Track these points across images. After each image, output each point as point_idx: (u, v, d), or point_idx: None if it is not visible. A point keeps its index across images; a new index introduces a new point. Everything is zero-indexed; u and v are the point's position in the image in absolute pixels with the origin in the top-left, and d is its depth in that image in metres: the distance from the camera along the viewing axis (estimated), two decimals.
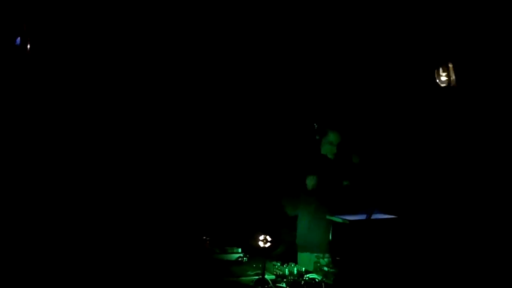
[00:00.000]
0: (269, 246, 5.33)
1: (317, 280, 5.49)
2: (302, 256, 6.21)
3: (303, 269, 5.87)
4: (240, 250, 5.92)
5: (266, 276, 5.51)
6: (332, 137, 6.26)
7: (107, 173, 6.30)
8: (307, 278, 5.57)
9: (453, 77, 4.85)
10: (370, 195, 6.07)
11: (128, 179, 6.30)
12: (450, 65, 4.83)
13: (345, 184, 6.30)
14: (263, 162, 6.85)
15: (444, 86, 4.98)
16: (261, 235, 5.31)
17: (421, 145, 5.83)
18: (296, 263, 5.97)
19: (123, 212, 6.19)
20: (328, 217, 5.94)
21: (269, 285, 5.41)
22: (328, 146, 6.32)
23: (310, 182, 6.26)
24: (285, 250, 6.18)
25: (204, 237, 6.00)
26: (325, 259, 5.72)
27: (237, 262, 5.81)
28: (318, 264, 5.79)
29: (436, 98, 5.41)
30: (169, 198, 6.43)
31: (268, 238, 5.34)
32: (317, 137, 6.26)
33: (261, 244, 5.34)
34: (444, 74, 4.91)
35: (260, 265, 5.51)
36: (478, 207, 5.24)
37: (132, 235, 5.99)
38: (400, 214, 5.60)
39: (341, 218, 5.65)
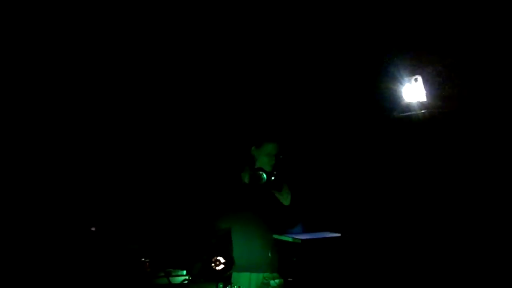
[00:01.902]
0: (222, 268, 5.01)
1: None
2: (239, 277, 5.95)
3: None
4: (184, 272, 5.53)
5: None
6: (269, 148, 6.07)
7: None
8: None
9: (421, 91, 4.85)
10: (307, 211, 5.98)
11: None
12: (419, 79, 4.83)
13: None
14: (197, 178, 6.53)
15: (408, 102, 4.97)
16: (215, 257, 4.98)
17: (367, 161, 5.84)
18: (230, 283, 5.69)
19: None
20: (275, 236, 5.74)
21: None
22: (265, 158, 6.12)
23: (245, 175, 5.97)
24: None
25: (143, 259, 5.55)
26: (276, 281, 5.50)
27: (181, 285, 5.42)
28: (268, 286, 5.55)
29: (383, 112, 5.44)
30: (103, 217, 5.93)
31: (221, 260, 5.02)
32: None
33: (213, 266, 5.01)
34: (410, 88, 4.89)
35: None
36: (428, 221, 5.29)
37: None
38: (350, 231, 5.54)
39: (291, 237, 5.47)
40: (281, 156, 5.74)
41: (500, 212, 4.65)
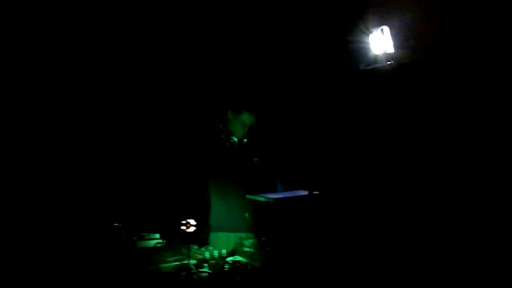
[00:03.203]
0: (194, 231, 4.99)
1: (242, 262, 5.24)
2: (217, 237, 5.96)
3: (224, 251, 5.62)
4: (158, 236, 5.50)
5: (187, 261, 5.20)
6: (245, 117, 6.06)
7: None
8: (231, 261, 5.32)
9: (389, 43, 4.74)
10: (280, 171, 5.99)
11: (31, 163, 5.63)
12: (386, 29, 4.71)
13: (255, 161, 6.12)
14: (174, 145, 6.45)
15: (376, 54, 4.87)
16: (185, 220, 4.95)
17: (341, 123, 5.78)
18: (208, 242, 5.71)
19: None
20: (248, 196, 5.73)
21: (192, 271, 5.09)
22: (239, 125, 6.11)
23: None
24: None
25: (116, 224, 5.50)
26: (249, 240, 5.51)
27: (155, 249, 5.40)
28: (241, 246, 5.57)
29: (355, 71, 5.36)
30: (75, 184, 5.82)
31: (193, 222, 5.00)
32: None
33: (184, 228, 4.99)
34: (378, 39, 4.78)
35: (183, 251, 5.18)
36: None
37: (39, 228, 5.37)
38: (323, 190, 5.51)
39: (264, 197, 5.45)
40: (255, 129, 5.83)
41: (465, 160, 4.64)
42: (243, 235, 5.80)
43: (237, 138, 6.08)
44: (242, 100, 6.05)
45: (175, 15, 6.04)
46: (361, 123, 5.39)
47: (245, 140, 6.06)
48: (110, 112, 6.07)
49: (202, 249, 5.65)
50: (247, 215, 5.83)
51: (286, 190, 5.90)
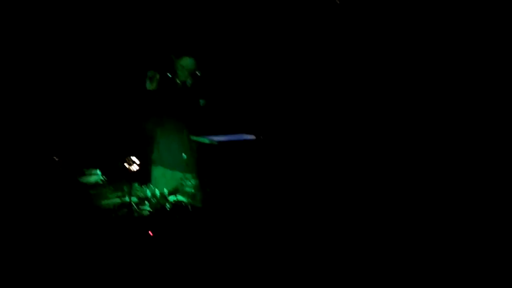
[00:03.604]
0: (136, 169, 4.96)
1: (184, 203, 5.30)
2: (156, 174, 5.98)
3: (165, 190, 5.65)
4: (98, 171, 5.45)
5: (127, 199, 5.20)
6: (187, 61, 6.02)
7: None
8: (172, 201, 5.36)
9: None
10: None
11: None
12: None
13: (202, 104, 6.12)
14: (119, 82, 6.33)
15: None
16: (128, 157, 4.91)
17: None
18: (149, 180, 5.72)
19: None
20: (193, 137, 5.74)
21: (133, 208, 5.11)
22: (182, 69, 6.06)
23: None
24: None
25: (55, 157, 5.40)
26: (192, 181, 5.55)
27: (95, 185, 5.36)
28: (183, 186, 5.61)
29: None
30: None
31: (135, 160, 4.97)
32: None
33: (127, 166, 4.95)
34: None
35: (124, 188, 5.16)
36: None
37: None
38: (264, 135, 5.59)
39: (208, 139, 5.48)
40: (198, 74, 5.76)
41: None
42: (185, 175, 5.83)
43: (180, 81, 6.03)
44: (184, 45, 5.99)
45: None
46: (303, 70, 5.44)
47: (188, 82, 6.02)
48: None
49: (143, 187, 5.66)
50: (184, 156, 5.85)
51: (230, 133, 5.95)
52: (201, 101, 6.05)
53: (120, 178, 5.51)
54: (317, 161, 5.24)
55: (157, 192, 5.59)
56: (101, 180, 5.41)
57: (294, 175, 5.24)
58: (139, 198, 5.41)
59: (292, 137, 5.43)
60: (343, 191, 5.04)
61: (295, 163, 5.20)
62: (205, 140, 5.51)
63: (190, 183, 5.56)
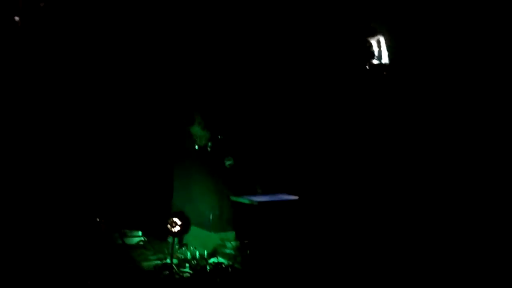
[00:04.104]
0: (178, 230, 4.99)
1: (224, 265, 5.27)
2: (194, 235, 5.99)
3: (205, 252, 5.64)
4: (140, 233, 5.49)
5: (168, 261, 5.21)
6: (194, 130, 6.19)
7: None
8: (212, 262, 5.34)
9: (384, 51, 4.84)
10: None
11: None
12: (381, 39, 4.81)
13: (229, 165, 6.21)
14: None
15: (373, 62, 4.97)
16: (171, 218, 4.95)
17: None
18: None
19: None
20: (232, 198, 5.76)
21: (174, 270, 5.10)
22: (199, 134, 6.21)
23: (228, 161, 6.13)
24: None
25: (98, 219, 5.47)
26: (232, 242, 5.53)
27: (137, 246, 5.39)
28: (222, 247, 5.60)
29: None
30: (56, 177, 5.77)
31: (178, 222, 5.00)
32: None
33: (169, 227, 4.98)
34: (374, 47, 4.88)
35: (166, 249, 5.18)
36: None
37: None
38: (304, 195, 5.57)
39: (248, 199, 5.49)
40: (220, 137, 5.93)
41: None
42: (224, 235, 5.83)
43: (198, 146, 6.16)
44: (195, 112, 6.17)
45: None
46: (345, 127, 5.47)
47: (209, 145, 6.16)
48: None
49: (183, 248, 5.67)
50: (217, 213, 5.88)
51: (265, 193, 5.95)
52: (226, 162, 6.14)
53: (161, 238, 5.56)
54: (357, 224, 5.18)
55: (197, 253, 5.60)
56: (142, 241, 5.44)
57: (335, 238, 5.17)
58: (179, 259, 5.42)
59: (334, 197, 5.40)
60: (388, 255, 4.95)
61: (335, 225, 5.15)
62: (245, 200, 5.52)
63: (230, 245, 5.54)
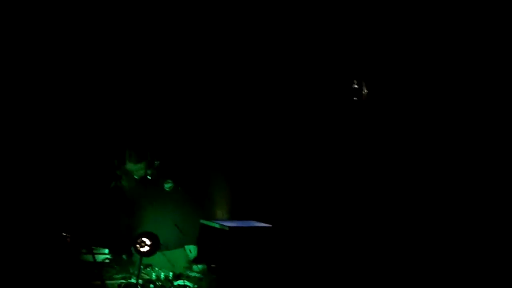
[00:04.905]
0: (147, 250, 4.93)
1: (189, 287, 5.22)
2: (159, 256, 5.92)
3: (170, 274, 5.57)
4: (107, 251, 5.40)
5: (133, 280, 5.13)
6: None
7: None
8: (177, 285, 5.29)
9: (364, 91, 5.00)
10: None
11: None
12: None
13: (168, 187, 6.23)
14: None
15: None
16: (140, 237, 4.89)
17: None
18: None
19: None
20: (202, 221, 5.74)
21: None
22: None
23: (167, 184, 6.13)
24: None
25: (64, 234, 5.36)
26: (199, 266, 5.49)
27: (102, 264, 5.29)
28: (187, 270, 5.56)
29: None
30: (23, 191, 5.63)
31: (147, 241, 4.94)
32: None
33: (138, 247, 4.92)
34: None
35: (131, 268, 5.10)
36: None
37: None
38: (276, 223, 5.59)
39: (218, 224, 5.48)
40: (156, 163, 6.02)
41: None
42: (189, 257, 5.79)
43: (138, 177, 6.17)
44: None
45: None
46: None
47: (149, 173, 6.16)
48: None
49: (148, 269, 5.59)
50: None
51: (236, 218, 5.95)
52: (166, 185, 6.14)
53: (127, 257, 5.48)
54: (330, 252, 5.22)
55: (162, 275, 5.52)
56: (108, 259, 5.35)
57: (306, 267, 5.19)
58: (144, 280, 5.33)
59: (306, 226, 5.44)
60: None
61: (307, 255, 5.18)
62: (215, 224, 5.51)
63: (196, 268, 5.50)
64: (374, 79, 5.25)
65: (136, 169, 6.14)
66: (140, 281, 5.20)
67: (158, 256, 5.77)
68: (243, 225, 5.48)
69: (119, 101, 6.14)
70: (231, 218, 6.06)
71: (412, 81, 4.97)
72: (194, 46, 6.19)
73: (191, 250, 5.83)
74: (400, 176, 5.05)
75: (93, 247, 5.25)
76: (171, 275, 5.53)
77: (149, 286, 5.26)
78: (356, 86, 5.29)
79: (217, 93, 6.23)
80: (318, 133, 5.68)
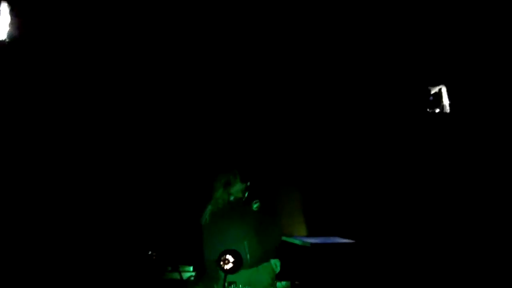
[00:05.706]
0: (230, 268, 4.95)
1: None
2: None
3: None
4: (191, 268, 5.49)
5: None
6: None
7: None
8: None
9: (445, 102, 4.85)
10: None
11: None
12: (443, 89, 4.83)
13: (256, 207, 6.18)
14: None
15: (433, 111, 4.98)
16: (224, 255, 4.91)
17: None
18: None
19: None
20: (284, 238, 5.72)
21: None
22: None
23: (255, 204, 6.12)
24: None
25: (150, 252, 5.49)
26: (283, 283, 5.47)
27: (187, 282, 5.37)
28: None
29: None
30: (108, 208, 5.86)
31: (230, 259, 4.96)
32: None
33: (221, 264, 4.94)
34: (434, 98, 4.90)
35: (215, 286, 5.13)
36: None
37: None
38: (359, 238, 5.49)
39: (300, 240, 5.45)
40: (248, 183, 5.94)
41: None
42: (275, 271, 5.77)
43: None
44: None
45: None
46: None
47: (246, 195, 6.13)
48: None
49: (232, 286, 5.61)
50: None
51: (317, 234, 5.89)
52: (254, 205, 6.09)
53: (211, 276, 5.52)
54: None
55: None
56: (193, 277, 5.43)
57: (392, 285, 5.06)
58: None
59: (390, 240, 5.31)
60: None
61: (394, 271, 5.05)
62: (297, 241, 5.49)
63: (281, 285, 5.47)
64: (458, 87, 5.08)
65: (236, 190, 6.14)
66: None
67: (242, 273, 5.82)
68: (325, 241, 5.42)
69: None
70: (312, 234, 6.02)
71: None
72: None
73: (277, 264, 5.80)
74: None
75: (178, 264, 5.37)
76: None
77: None
78: (432, 96, 5.12)
79: (291, 106, 6.24)
80: (403, 143, 5.56)
